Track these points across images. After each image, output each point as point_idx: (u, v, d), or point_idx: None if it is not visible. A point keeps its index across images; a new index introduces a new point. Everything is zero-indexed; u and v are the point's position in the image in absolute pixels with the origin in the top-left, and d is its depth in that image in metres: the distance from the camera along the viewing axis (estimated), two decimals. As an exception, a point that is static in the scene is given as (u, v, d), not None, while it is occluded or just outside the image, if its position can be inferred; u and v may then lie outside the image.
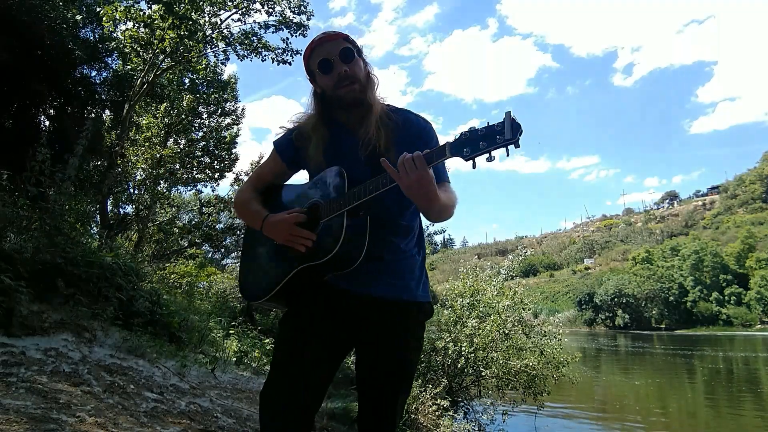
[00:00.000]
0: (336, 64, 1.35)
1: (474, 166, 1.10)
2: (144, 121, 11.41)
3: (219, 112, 13.21)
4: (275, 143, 1.53)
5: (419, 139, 1.38)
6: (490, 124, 1.09)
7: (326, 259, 1.26)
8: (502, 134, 1.05)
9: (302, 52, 1.46)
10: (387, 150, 1.31)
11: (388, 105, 1.43)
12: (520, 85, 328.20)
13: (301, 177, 1.57)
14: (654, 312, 63.55)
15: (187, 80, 12.12)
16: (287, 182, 1.56)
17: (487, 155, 1.08)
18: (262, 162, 1.57)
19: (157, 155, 11.09)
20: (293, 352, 1.29)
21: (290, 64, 9.82)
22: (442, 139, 1.25)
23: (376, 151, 1.32)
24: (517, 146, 1.05)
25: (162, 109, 11.29)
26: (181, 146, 12.46)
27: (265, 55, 10.03)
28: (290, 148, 1.47)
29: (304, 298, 1.36)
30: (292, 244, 1.30)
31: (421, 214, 1.44)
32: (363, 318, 1.33)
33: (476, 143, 1.08)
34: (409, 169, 1.14)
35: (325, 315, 1.32)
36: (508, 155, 1.08)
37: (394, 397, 1.34)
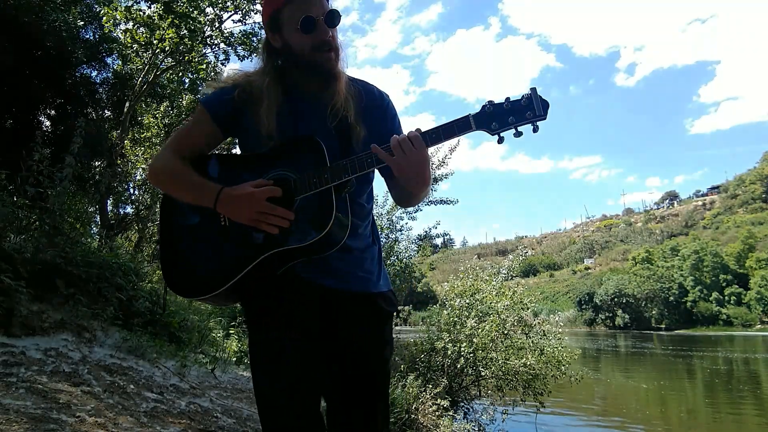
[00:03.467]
0: (320, 26, 1.17)
1: (500, 141, 1.08)
2: (144, 121, 11.41)
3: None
4: (206, 102, 1.26)
5: (382, 111, 1.30)
6: (512, 99, 1.07)
7: (311, 242, 1.10)
8: (531, 109, 1.05)
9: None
10: (356, 122, 1.22)
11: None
12: (524, 84, 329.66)
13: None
14: (654, 312, 63.49)
15: (187, 80, 12.12)
16: (215, 153, 1.30)
17: (514, 131, 1.07)
18: (186, 125, 1.32)
19: (157, 155, 11.08)
20: (294, 370, 1.12)
21: None
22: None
23: (347, 121, 1.21)
24: (543, 120, 1.06)
25: (162, 109, 11.30)
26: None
27: (265, 56, 10.02)
28: (228, 110, 1.23)
29: (268, 291, 1.16)
30: (261, 224, 1.11)
31: (394, 198, 1.36)
32: (333, 311, 1.21)
33: (504, 118, 1.06)
34: (407, 150, 1.07)
35: (300, 308, 1.16)
36: (535, 131, 1.07)
37: (379, 396, 1.25)
